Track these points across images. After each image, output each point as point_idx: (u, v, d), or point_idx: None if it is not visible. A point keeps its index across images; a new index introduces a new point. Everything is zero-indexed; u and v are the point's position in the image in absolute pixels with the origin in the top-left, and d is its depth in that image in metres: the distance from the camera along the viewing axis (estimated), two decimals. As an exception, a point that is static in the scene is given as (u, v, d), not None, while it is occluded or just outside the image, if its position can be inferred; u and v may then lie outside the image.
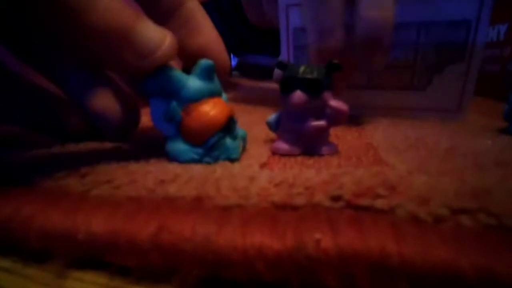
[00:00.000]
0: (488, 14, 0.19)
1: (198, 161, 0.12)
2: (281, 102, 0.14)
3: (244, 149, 0.14)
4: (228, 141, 0.12)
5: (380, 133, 0.17)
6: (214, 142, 0.12)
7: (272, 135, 0.15)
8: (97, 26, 0.10)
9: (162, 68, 0.12)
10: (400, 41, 0.20)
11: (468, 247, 0.07)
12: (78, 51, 0.12)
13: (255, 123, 0.21)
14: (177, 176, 0.10)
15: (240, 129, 0.14)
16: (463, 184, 0.09)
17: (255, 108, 0.27)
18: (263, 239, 0.07)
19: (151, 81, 0.12)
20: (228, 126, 0.12)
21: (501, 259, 0.06)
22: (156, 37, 0.11)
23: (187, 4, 0.14)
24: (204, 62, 0.12)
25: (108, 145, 0.15)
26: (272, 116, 0.15)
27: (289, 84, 0.13)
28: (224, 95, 0.14)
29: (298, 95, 0.13)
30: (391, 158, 0.12)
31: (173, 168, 0.11)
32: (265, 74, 0.56)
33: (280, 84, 0.14)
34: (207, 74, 0.12)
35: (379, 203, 0.08)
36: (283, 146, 0.14)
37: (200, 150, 0.12)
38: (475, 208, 0.08)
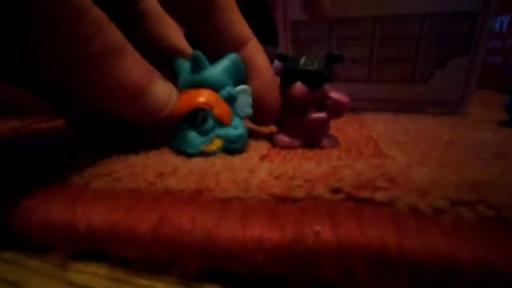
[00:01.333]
0: (495, 5, 0.18)
1: (171, 147, 0.13)
2: (281, 94, 0.14)
3: (238, 151, 0.13)
4: (191, 134, 0.12)
5: (380, 126, 0.17)
6: (174, 131, 0.12)
7: (272, 127, 0.15)
8: (115, 87, 0.10)
9: (177, 59, 0.13)
10: (401, 34, 0.20)
11: (468, 239, 0.07)
12: (90, 105, 0.12)
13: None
14: (176, 169, 0.10)
15: (233, 129, 0.13)
16: (463, 176, 0.09)
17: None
18: (263, 231, 0.07)
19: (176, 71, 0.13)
20: (192, 119, 0.12)
21: (501, 251, 0.06)
22: (164, 97, 0.12)
23: (248, 45, 0.14)
24: (192, 52, 0.12)
25: (107, 138, 0.15)
26: (272, 109, 0.15)
27: (289, 75, 0.13)
28: (229, 89, 0.13)
29: (298, 87, 0.13)
30: (391, 151, 0.12)
31: (173, 160, 0.11)
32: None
33: (280, 76, 0.14)
34: (193, 66, 0.12)
35: (379, 195, 0.08)
36: (283, 138, 0.14)
37: (171, 137, 0.13)
38: (475, 200, 0.08)
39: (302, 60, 0.13)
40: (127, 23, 0.14)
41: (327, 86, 0.13)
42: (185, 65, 0.13)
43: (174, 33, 0.16)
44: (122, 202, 0.08)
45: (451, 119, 0.19)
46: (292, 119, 0.13)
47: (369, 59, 0.21)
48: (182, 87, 0.13)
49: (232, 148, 0.13)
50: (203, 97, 0.12)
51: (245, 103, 0.13)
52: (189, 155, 0.12)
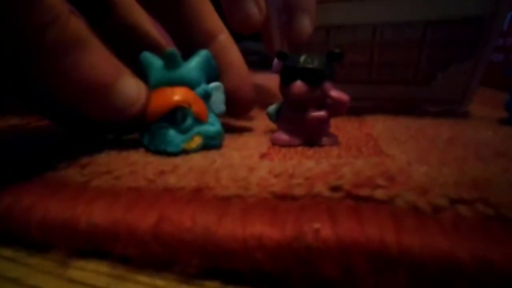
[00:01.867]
0: (506, 9, 0.17)
1: (145, 147, 0.13)
2: (281, 92, 0.14)
3: (217, 147, 0.13)
4: (171, 132, 0.12)
5: (380, 124, 0.17)
6: (153, 131, 0.12)
7: (272, 125, 0.15)
8: (80, 82, 0.10)
9: (142, 55, 0.12)
10: (403, 40, 0.19)
11: (467, 237, 0.07)
12: (64, 103, 0.12)
13: (254, 113, 0.21)
14: (176, 167, 0.10)
15: (210, 125, 0.13)
16: (463, 174, 0.09)
17: (255, 98, 0.27)
18: (263, 229, 0.07)
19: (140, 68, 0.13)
20: (173, 117, 0.12)
21: (500, 249, 0.06)
22: (133, 93, 0.11)
23: (219, 39, 0.14)
24: (167, 50, 0.12)
25: (107, 136, 0.15)
26: (272, 106, 0.15)
27: (289, 74, 0.13)
28: (204, 86, 0.13)
29: (298, 85, 0.13)
30: (391, 149, 0.12)
31: (173, 158, 0.11)
32: (263, 61, 0.56)
33: (280, 74, 0.13)
34: (169, 62, 0.12)
35: (379, 194, 0.08)
36: (283, 136, 0.14)
37: (148, 137, 0.12)
38: (475, 199, 0.08)
39: (302, 58, 0.13)
40: (98, 12, 0.14)
41: (327, 85, 0.13)
42: (155, 61, 0.13)
43: (147, 23, 0.16)
44: (123, 200, 0.08)
45: (451, 117, 0.19)
46: (292, 117, 0.13)
47: (369, 63, 0.21)
48: (155, 85, 0.12)
49: (211, 144, 0.13)
50: (181, 95, 0.12)
51: (219, 100, 0.13)
52: (169, 154, 0.12)
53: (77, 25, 0.09)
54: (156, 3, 0.14)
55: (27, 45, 0.09)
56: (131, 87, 0.11)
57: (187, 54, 0.13)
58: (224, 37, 0.14)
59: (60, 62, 0.09)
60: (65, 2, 0.09)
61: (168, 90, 0.12)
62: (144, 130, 0.13)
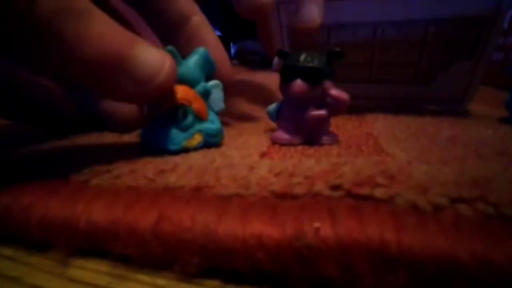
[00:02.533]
0: (507, 9, 0.17)
1: (148, 145, 0.12)
2: (281, 91, 0.14)
3: (217, 144, 0.13)
4: (173, 131, 0.12)
5: (380, 123, 0.17)
6: (154, 129, 0.12)
7: (272, 124, 0.15)
8: (91, 56, 0.09)
9: None
10: (404, 40, 0.19)
11: (467, 236, 0.07)
12: (73, 82, 0.11)
13: (255, 112, 0.21)
14: (176, 166, 0.10)
15: (211, 123, 0.13)
16: (463, 173, 0.09)
17: (255, 97, 0.27)
18: (263, 228, 0.07)
19: None
20: (174, 115, 0.12)
21: (500, 248, 0.06)
22: (154, 62, 0.10)
23: (192, 20, 0.14)
24: (167, 48, 0.12)
25: (107, 135, 0.15)
26: (272, 105, 0.14)
27: (289, 72, 0.13)
28: (204, 84, 0.13)
29: (298, 84, 0.13)
30: (391, 148, 0.12)
31: (173, 157, 0.11)
32: (263, 61, 0.56)
33: (280, 73, 0.13)
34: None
35: (379, 192, 0.08)
36: (283, 135, 0.14)
37: (149, 135, 0.12)
38: (474, 197, 0.08)
39: (302, 57, 0.13)
40: None
41: (327, 83, 0.13)
42: None
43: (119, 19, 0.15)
44: (122, 199, 0.08)
45: (451, 116, 0.19)
46: (292, 116, 0.13)
47: (369, 62, 0.21)
48: None
49: (212, 142, 0.13)
50: (182, 93, 0.12)
51: (218, 97, 0.14)
52: (170, 152, 0.12)
53: None
54: None
55: (18, 17, 0.08)
56: (151, 55, 0.10)
57: (163, 37, 0.13)
58: (198, 18, 0.14)
59: (60, 33, 0.08)
60: None
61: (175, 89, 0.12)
62: (144, 128, 0.12)
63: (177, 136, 0.12)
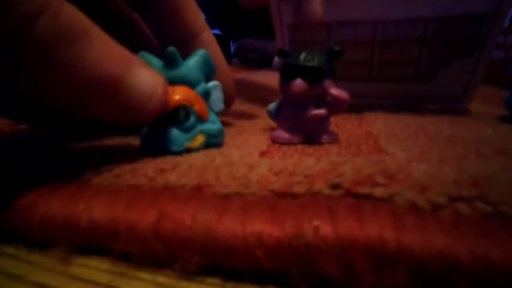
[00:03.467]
0: (507, 7, 0.17)
1: (150, 147, 0.12)
2: (281, 90, 0.14)
3: (219, 145, 0.13)
4: (175, 132, 0.12)
5: (380, 122, 0.17)
6: (156, 130, 0.12)
7: (272, 123, 0.15)
8: (86, 80, 0.09)
9: (142, 54, 0.12)
10: (404, 37, 0.19)
11: (466, 235, 0.07)
12: (66, 106, 0.10)
13: (255, 111, 0.21)
14: (177, 165, 0.10)
15: (212, 124, 0.13)
16: (463, 172, 0.09)
17: (255, 96, 0.27)
18: (263, 227, 0.07)
19: None
20: (176, 116, 0.12)
21: (498, 246, 0.06)
22: (149, 84, 0.10)
23: (201, 37, 0.14)
24: (167, 49, 0.12)
25: (108, 134, 0.15)
26: (272, 104, 0.15)
27: (289, 71, 0.13)
28: (204, 85, 0.13)
29: (298, 83, 0.13)
30: (391, 147, 0.12)
31: (173, 157, 0.11)
32: (262, 58, 0.56)
33: (280, 72, 0.13)
34: (169, 61, 0.12)
35: (378, 191, 0.08)
36: (283, 134, 0.14)
37: (150, 136, 0.12)
38: (473, 196, 0.08)
39: (302, 56, 0.13)
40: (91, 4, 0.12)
41: (327, 82, 0.13)
42: (153, 61, 0.12)
43: (138, 18, 0.15)
44: (123, 198, 0.08)
45: (451, 115, 0.19)
46: (292, 115, 0.13)
47: (370, 60, 0.21)
48: None
49: (213, 142, 0.13)
50: (183, 94, 0.12)
51: (217, 98, 0.14)
52: (172, 153, 0.12)
53: (73, 15, 0.08)
54: (140, 2, 0.14)
55: (13, 40, 0.07)
56: (144, 79, 0.10)
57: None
58: (207, 35, 0.14)
59: (56, 57, 0.08)
60: None
61: (169, 89, 0.12)
62: (145, 130, 0.12)
63: (179, 137, 0.12)
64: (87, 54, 0.08)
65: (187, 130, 0.12)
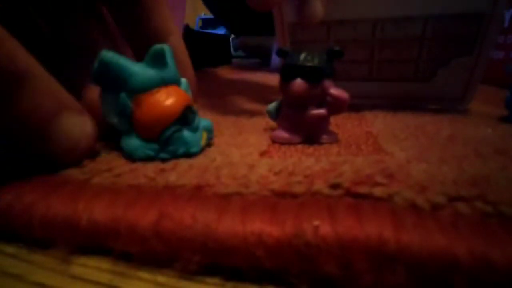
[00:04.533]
0: (503, 6, 0.17)
1: (154, 157, 0.11)
2: (281, 90, 0.14)
3: (210, 140, 0.13)
4: (186, 133, 0.11)
5: (380, 122, 0.17)
6: (169, 136, 0.11)
7: (272, 123, 0.15)
8: (13, 121, 0.09)
9: (106, 56, 0.10)
10: (403, 36, 0.19)
11: (465, 234, 0.07)
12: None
13: (255, 111, 0.21)
14: (177, 165, 0.10)
15: (204, 119, 0.13)
16: (462, 172, 0.09)
17: (255, 96, 0.27)
18: (262, 226, 0.07)
19: (96, 72, 0.11)
20: (185, 117, 0.11)
21: (497, 246, 0.06)
22: (76, 131, 0.10)
23: (170, 39, 0.14)
24: (154, 47, 0.11)
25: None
26: (272, 104, 0.15)
27: (289, 71, 0.13)
28: (184, 83, 0.12)
29: (298, 83, 0.13)
30: (390, 146, 0.12)
31: (177, 157, 0.11)
32: (262, 53, 0.56)
33: (280, 72, 0.14)
34: (158, 61, 0.11)
35: (378, 191, 0.08)
36: (283, 134, 0.14)
37: (155, 146, 0.11)
38: (473, 196, 0.08)
39: (302, 56, 0.13)
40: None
41: (327, 82, 0.13)
42: (127, 62, 0.11)
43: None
44: (123, 197, 0.09)
45: (451, 115, 0.19)
46: (292, 115, 0.13)
47: (369, 59, 0.21)
48: (149, 86, 0.11)
49: (210, 137, 0.13)
50: (182, 94, 0.12)
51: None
52: (192, 155, 0.11)
53: (10, 56, 0.08)
54: (112, 4, 0.14)
55: None
56: (71, 126, 0.10)
57: (139, 54, 0.12)
58: (175, 38, 0.15)
59: None
60: None
61: (165, 92, 0.11)
62: (148, 141, 0.11)
63: (193, 138, 0.12)
64: (15, 96, 0.08)
65: (195, 129, 0.12)
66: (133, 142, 0.11)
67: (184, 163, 0.11)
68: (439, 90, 0.20)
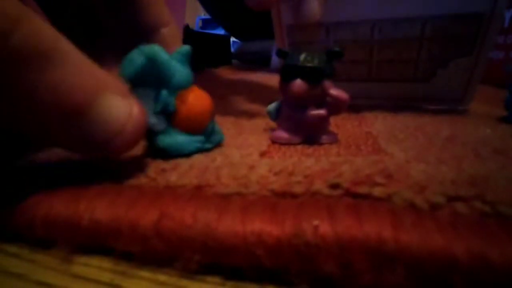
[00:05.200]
0: (503, 6, 0.17)
1: (201, 149, 0.12)
2: (281, 91, 0.14)
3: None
4: (216, 125, 0.13)
5: (380, 122, 0.17)
6: (212, 127, 0.12)
7: (272, 123, 0.15)
8: (44, 106, 0.08)
9: (152, 51, 0.10)
10: (402, 36, 0.19)
11: (463, 234, 0.07)
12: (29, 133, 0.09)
13: (255, 111, 0.21)
14: (177, 165, 0.10)
15: None
16: (461, 172, 0.09)
17: (255, 97, 0.27)
18: (262, 226, 0.07)
19: (140, 68, 0.10)
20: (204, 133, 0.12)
21: (496, 245, 0.06)
22: (121, 113, 0.09)
23: (161, 31, 0.14)
24: (184, 47, 0.11)
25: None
26: (272, 105, 0.15)
27: (289, 72, 0.13)
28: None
29: (298, 84, 0.13)
30: (390, 147, 0.12)
31: (174, 157, 0.11)
32: (262, 61, 0.56)
33: (280, 72, 0.14)
34: (186, 59, 0.11)
35: (377, 191, 0.08)
36: (283, 134, 0.14)
37: (201, 138, 0.12)
38: (471, 196, 0.08)
39: (302, 57, 0.13)
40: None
41: (327, 83, 0.13)
42: (168, 57, 0.11)
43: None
44: (124, 197, 0.09)
45: (451, 115, 0.19)
46: (292, 116, 0.14)
47: (369, 60, 0.21)
48: (190, 82, 0.11)
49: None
50: (208, 104, 0.12)
51: None
52: (221, 143, 0.13)
53: (33, 33, 0.07)
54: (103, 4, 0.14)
55: None
56: (116, 105, 0.09)
57: (126, 46, 0.11)
58: (167, 31, 0.14)
59: (7, 86, 0.07)
60: (19, 4, 0.07)
61: (196, 88, 0.12)
62: (191, 135, 0.12)
63: (219, 128, 0.13)
64: (44, 78, 0.07)
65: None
66: (178, 139, 0.11)
67: (184, 163, 0.11)
68: (439, 90, 0.20)
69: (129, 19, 0.14)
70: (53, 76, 0.08)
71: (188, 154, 0.11)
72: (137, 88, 0.11)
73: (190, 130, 0.11)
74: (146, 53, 0.10)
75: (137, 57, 0.10)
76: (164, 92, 0.11)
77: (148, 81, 0.11)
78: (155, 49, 0.10)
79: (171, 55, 0.11)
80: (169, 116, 0.11)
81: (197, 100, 0.11)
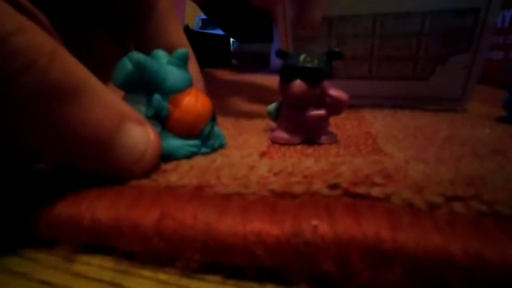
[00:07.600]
0: (498, 1, 0.17)
1: (196, 153, 0.12)
2: (280, 91, 0.14)
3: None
4: (216, 128, 0.13)
5: (379, 122, 0.17)
6: (209, 131, 0.12)
7: (272, 124, 0.15)
8: (73, 138, 0.08)
9: (140, 57, 0.10)
10: (402, 31, 0.19)
11: (461, 234, 0.07)
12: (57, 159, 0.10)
13: (255, 111, 0.21)
14: (178, 165, 0.11)
15: None
16: (459, 172, 0.09)
17: (255, 97, 0.27)
18: (262, 226, 0.07)
19: (130, 74, 0.11)
20: (214, 114, 0.12)
21: (493, 245, 0.07)
22: (140, 141, 0.09)
23: (159, 5, 0.14)
24: (181, 51, 0.12)
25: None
26: (272, 105, 0.15)
27: (289, 72, 0.13)
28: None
29: (298, 84, 0.13)
30: (389, 147, 0.13)
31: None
32: (260, 60, 0.56)
33: (280, 73, 0.14)
34: (184, 62, 0.12)
35: (376, 191, 0.08)
36: (282, 135, 0.14)
37: (196, 142, 0.12)
38: (469, 196, 0.08)
39: (302, 57, 0.13)
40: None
41: (326, 83, 0.13)
42: (162, 63, 0.11)
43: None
44: (126, 197, 0.09)
45: (450, 115, 0.19)
46: (292, 116, 0.14)
47: (369, 56, 0.21)
48: (184, 86, 0.11)
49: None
50: (208, 105, 0.12)
51: None
52: (223, 147, 0.13)
53: (64, 67, 0.08)
54: (128, 15, 0.14)
55: None
56: (135, 137, 0.09)
57: (125, 29, 0.13)
58: (162, 6, 0.14)
59: (39, 113, 0.07)
60: (50, 38, 0.07)
61: (195, 91, 0.12)
62: (186, 139, 0.11)
63: (220, 132, 0.13)
64: (75, 111, 0.08)
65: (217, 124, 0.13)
66: (173, 142, 0.11)
67: (185, 164, 0.11)
68: (438, 89, 0.20)
69: (151, 44, 0.14)
70: (83, 108, 0.08)
71: (182, 158, 0.11)
72: (130, 94, 0.11)
73: (184, 134, 0.11)
74: (134, 61, 0.10)
75: (126, 64, 0.11)
76: (156, 96, 0.11)
77: (141, 86, 0.11)
78: (141, 56, 0.10)
79: (169, 59, 0.11)
80: (163, 120, 0.11)
81: (191, 103, 0.11)
